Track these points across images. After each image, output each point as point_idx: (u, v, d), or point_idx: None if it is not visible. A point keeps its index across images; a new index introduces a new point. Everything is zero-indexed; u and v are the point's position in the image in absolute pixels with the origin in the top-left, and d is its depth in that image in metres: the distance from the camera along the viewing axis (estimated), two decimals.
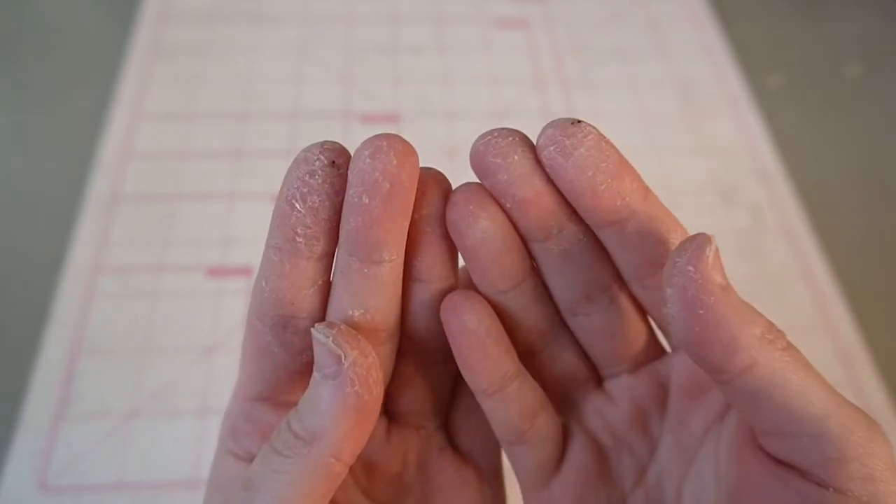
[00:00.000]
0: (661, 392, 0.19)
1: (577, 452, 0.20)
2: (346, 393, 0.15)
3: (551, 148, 0.17)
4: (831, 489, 0.14)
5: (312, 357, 0.16)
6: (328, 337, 0.16)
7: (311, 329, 0.16)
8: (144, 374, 0.34)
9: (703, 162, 0.46)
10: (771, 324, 0.15)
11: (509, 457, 0.20)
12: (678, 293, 0.15)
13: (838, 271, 0.41)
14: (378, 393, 0.16)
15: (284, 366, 0.18)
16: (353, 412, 0.16)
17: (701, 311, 0.14)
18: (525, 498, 0.21)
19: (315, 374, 0.16)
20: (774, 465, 0.15)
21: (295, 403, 0.17)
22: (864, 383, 0.37)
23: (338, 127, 0.45)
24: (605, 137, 0.18)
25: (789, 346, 0.15)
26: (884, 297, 0.41)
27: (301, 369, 0.18)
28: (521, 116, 0.47)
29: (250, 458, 0.18)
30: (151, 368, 0.35)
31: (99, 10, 0.52)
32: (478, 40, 0.52)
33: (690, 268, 0.16)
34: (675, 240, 0.19)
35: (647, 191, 0.20)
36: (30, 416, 0.33)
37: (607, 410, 0.20)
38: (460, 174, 0.41)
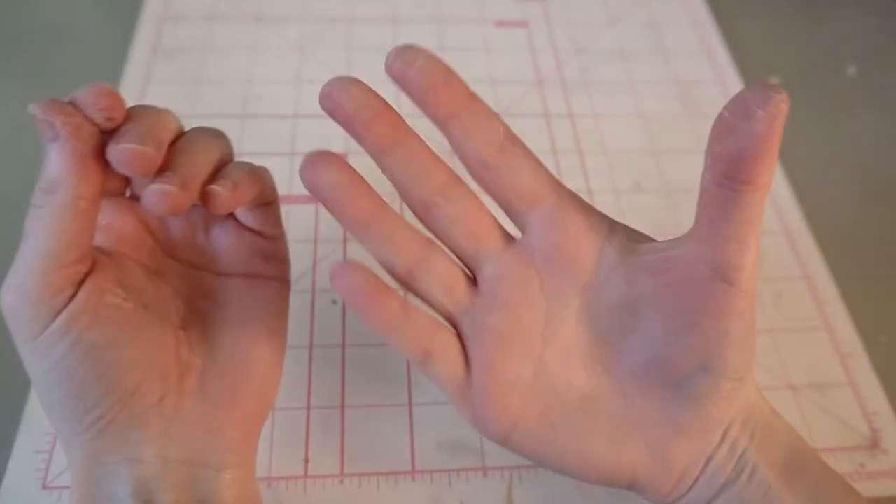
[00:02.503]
0: (531, 264, 0.25)
1: (478, 351, 0.24)
2: (65, 147, 0.21)
3: (397, 63, 0.26)
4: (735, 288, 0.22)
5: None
6: (39, 111, 0.22)
7: (28, 108, 0.22)
8: None
9: (704, 162, 0.46)
10: None
11: (425, 375, 0.24)
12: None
13: (837, 271, 0.41)
14: (91, 142, 0.21)
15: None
16: (76, 159, 0.21)
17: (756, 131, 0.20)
18: (451, 400, 0.25)
19: (46, 144, 0.21)
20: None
21: None
22: (862, 382, 0.37)
23: (338, 127, 0.45)
24: (434, 53, 0.25)
25: None
26: (882, 296, 0.41)
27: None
28: (522, 116, 0.47)
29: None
30: None
31: (99, 10, 0.52)
32: (478, 40, 0.52)
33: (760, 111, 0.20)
34: (501, 125, 0.27)
35: (470, 91, 0.27)
36: (31, 415, 0.33)
37: (489, 299, 0.24)
38: (460, 174, 0.41)
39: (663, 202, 0.43)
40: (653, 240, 0.26)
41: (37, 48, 0.49)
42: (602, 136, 0.46)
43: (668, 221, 0.43)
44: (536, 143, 0.46)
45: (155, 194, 0.21)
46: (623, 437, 0.24)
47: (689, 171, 0.45)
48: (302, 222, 0.40)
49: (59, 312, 0.21)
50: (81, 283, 0.22)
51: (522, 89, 0.49)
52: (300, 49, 0.50)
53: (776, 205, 0.44)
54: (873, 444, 0.35)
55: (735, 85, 0.50)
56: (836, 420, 0.36)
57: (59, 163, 0.21)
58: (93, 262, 0.22)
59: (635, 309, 0.24)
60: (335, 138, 0.45)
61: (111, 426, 0.22)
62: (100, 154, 0.21)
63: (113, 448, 0.22)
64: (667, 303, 0.23)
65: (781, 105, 0.20)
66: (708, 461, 0.23)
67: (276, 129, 0.45)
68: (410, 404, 0.34)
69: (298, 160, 0.44)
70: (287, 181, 0.42)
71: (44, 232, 0.21)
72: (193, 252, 0.27)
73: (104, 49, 0.49)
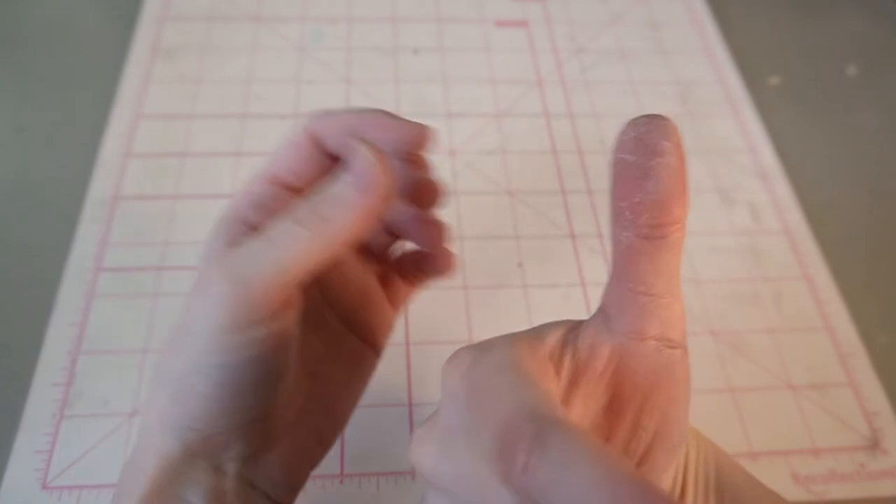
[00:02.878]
0: None
1: None
2: (368, 200, 0.20)
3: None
4: (679, 348, 0.19)
5: (333, 160, 0.23)
6: (369, 151, 0.20)
7: (352, 139, 0.20)
8: (144, 374, 0.35)
9: (703, 162, 0.46)
10: None
11: None
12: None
13: (837, 271, 0.41)
14: (386, 204, 0.21)
15: (322, 163, 0.23)
16: (367, 213, 0.20)
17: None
18: None
19: (347, 175, 0.20)
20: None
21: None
22: (862, 382, 0.37)
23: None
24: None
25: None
26: (882, 297, 0.41)
27: (321, 169, 0.23)
28: (521, 116, 0.47)
29: (258, 226, 0.22)
30: (151, 368, 0.35)
31: (100, 10, 0.52)
32: (478, 40, 0.52)
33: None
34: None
35: None
36: (31, 415, 0.33)
37: None
38: (460, 174, 0.41)
39: None
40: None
41: (37, 48, 0.49)
42: (602, 136, 0.46)
43: None
44: (536, 143, 0.46)
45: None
46: None
47: (689, 171, 0.45)
48: None
49: (261, 322, 0.20)
50: (290, 306, 0.21)
51: (522, 89, 0.49)
52: (300, 49, 0.50)
53: (776, 205, 0.44)
54: (873, 445, 0.35)
55: (735, 85, 0.50)
56: (837, 420, 0.36)
57: (352, 206, 0.20)
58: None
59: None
60: None
61: (235, 430, 0.22)
62: (379, 214, 0.21)
63: (212, 452, 0.22)
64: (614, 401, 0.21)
65: (676, 129, 0.18)
66: None
67: (276, 129, 0.45)
68: (410, 404, 0.34)
69: None
70: None
71: (295, 251, 0.20)
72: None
73: (104, 49, 0.49)
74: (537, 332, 0.20)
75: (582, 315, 0.22)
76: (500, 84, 0.49)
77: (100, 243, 0.39)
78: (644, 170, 0.17)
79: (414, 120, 0.23)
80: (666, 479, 0.21)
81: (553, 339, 0.20)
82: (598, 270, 0.40)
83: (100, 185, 0.41)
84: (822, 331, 0.39)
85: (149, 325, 0.36)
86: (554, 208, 0.42)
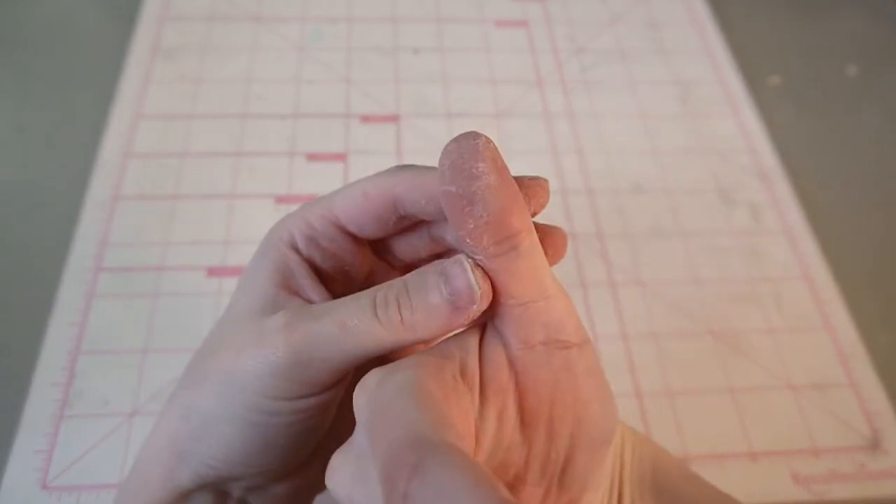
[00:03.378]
0: None
1: None
2: (459, 321, 0.18)
3: None
4: (573, 347, 0.19)
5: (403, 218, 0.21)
6: (474, 274, 0.18)
7: (461, 256, 0.19)
8: (144, 374, 0.34)
9: (703, 162, 0.46)
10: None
11: None
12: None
13: (837, 271, 0.41)
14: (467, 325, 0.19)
15: (390, 222, 0.22)
16: (448, 331, 0.19)
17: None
18: None
19: (444, 289, 0.18)
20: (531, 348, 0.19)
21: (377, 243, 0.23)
22: (862, 382, 0.37)
23: (338, 127, 0.45)
24: None
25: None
26: (883, 297, 0.41)
27: (386, 228, 0.22)
28: (521, 116, 0.47)
29: (313, 265, 0.22)
30: (151, 368, 0.35)
31: (100, 10, 0.52)
32: (478, 40, 0.52)
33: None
34: None
35: None
36: (31, 415, 0.33)
37: None
38: None
39: (663, 202, 0.43)
40: None
41: (37, 48, 0.49)
42: (602, 136, 0.46)
43: (667, 221, 0.43)
44: (536, 143, 0.46)
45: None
46: None
47: (689, 171, 0.45)
48: None
49: (312, 395, 0.20)
50: (343, 381, 0.21)
51: (522, 89, 0.49)
52: (300, 49, 0.50)
53: (776, 205, 0.44)
54: (874, 445, 0.35)
55: (735, 85, 0.50)
56: (837, 420, 0.36)
57: (438, 323, 0.19)
58: None
59: None
60: (335, 138, 0.45)
61: (242, 474, 0.22)
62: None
63: (220, 482, 0.22)
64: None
65: (488, 143, 0.18)
66: None
67: (276, 129, 0.45)
68: None
69: (298, 160, 0.44)
70: (286, 181, 0.42)
71: (376, 343, 0.19)
72: None
73: (104, 49, 0.49)
74: (446, 349, 0.19)
75: (583, 316, 0.22)
76: (500, 84, 0.49)
77: (100, 243, 0.39)
78: (468, 197, 0.17)
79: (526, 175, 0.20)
80: (602, 481, 0.21)
81: (461, 355, 0.19)
82: (598, 271, 0.40)
83: (100, 185, 0.41)
84: (822, 331, 0.39)
85: (149, 325, 0.36)
86: (554, 208, 0.42)
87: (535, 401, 0.19)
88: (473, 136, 0.18)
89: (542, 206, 0.20)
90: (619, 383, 0.36)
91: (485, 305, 0.18)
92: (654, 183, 0.44)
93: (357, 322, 0.19)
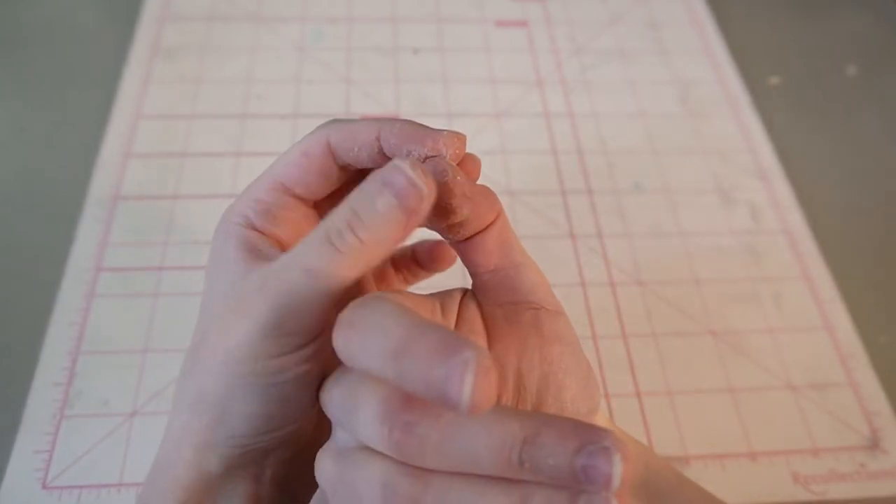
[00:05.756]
0: None
1: None
2: (413, 221, 0.19)
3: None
4: (542, 308, 0.22)
5: (344, 171, 0.22)
6: (414, 172, 0.18)
7: (396, 160, 0.19)
8: (144, 374, 0.35)
9: (703, 162, 0.46)
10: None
11: None
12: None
13: (837, 271, 0.41)
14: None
15: (333, 175, 0.23)
16: (407, 234, 0.19)
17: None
18: None
19: (389, 195, 0.18)
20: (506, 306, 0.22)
21: (324, 205, 0.23)
22: (862, 382, 0.37)
23: None
24: None
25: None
26: (882, 296, 0.41)
27: (342, 185, 0.23)
28: (521, 116, 0.47)
29: (273, 237, 0.22)
30: (151, 368, 0.35)
31: (100, 10, 0.52)
32: (478, 40, 0.52)
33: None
34: None
35: None
36: (31, 415, 0.33)
37: None
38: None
39: (663, 202, 0.43)
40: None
41: (37, 48, 0.49)
42: (602, 136, 0.46)
43: (667, 221, 0.43)
44: (536, 143, 0.46)
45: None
46: None
47: (689, 171, 0.45)
48: None
49: (304, 344, 0.20)
50: (330, 321, 0.21)
51: (522, 89, 0.49)
52: (300, 49, 0.50)
53: (776, 205, 0.44)
54: (873, 445, 0.35)
55: (735, 85, 0.50)
56: (837, 420, 0.36)
57: (396, 233, 0.19)
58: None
59: None
60: None
61: (280, 438, 0.22)
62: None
63: (250, 462, 0.22)
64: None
65: (447, 166, 0.20)
66: None
67: (276, 129, 0.45)
68: None
69: None
70: None
71: (345, 276, 0.19)
72: None
73: (104, 49, 0.49)
74: (428, 296, 0.22)
75: (583, 316, 0.22)
76: (500, 84, 0.49)
77: (100, 243, 0.39)
78: (446, 209, 0.20)
79: (437, 126, 0.22)
80: None
81: (442, 300, 0.23)
82: (598, 270, 0.40)
83: (100, 185, 0.41)
84: (822, 331, 0.39)
85: (149, 325, 0.36)
86: (554, 208, 0.42)
87: (502, 351, 0.21)
88: (441, 169, 0.20)
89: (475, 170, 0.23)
90: (619, 383, 0.36)
91: (432, 197, 0.19)
92: (654, 183, 0.44)
93: (320, 262, 0.19)
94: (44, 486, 0.31)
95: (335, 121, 0.22)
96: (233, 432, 0.21)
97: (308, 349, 0.20)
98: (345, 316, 0.18)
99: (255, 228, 0.22)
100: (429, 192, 0.19)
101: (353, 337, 0.17)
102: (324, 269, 0.19)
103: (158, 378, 0.34)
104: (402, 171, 0.18)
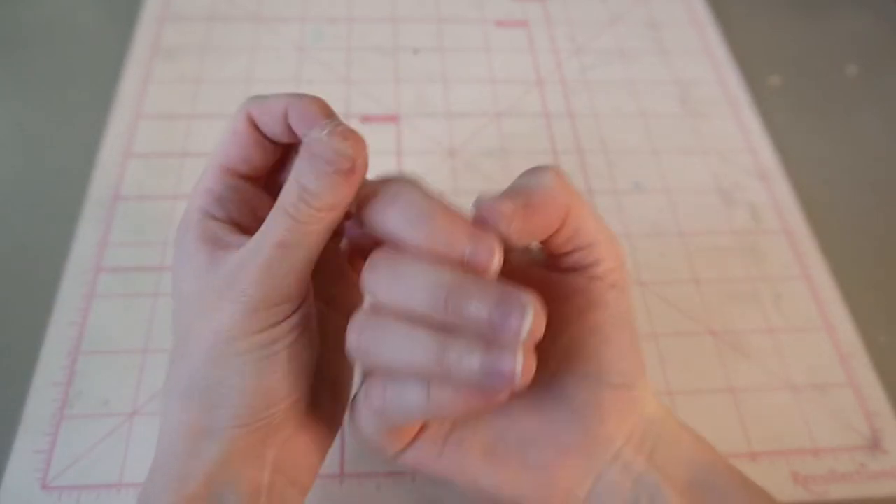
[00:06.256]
0: None
1: None
2: (356, 177, 0.20)
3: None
4: (596, 278, 0.23)
5: (292, 147, 0.24)
6: (333, 140, 0.20)
7: (312, 132, 0.21)
8: (144, 374, 0.35)
9: (703, 162, 0.46)
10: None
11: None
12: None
13: (837, 271, 0.41)
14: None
15: (268, 148, 0.24)
16: (355, 187, 0.21)
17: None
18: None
19: (326, 167, 0.20)
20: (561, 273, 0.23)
21: (270, 183, 0.25)
22: (862, 382, 0.37)
23: None
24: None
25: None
26: (883, 297, 0.41)
27: (281, 156, 0.25)
28: (521, 116, 0.47)
29: (230, 222, 0.23)
30: (151, 368, 0.35)
31: (100, 10, 0.52)
32: (478, 40, 0.52)
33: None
34: None
35: None
36: (31, 415, 0.33)
37: None
38: (460, 174, 0.41)
39: (663, 202, 0.43)
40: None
41: (37, 48, 0.49)
42: (602, 136, 0.46)
43: (667, 221, 0.43)
44: (536, 143, 0.46)
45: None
46: (501, 456, 0.23)
47: (689, 171, 0.45)
48: None
49: (299, 307, 0.22)
50: (301, 295, 0.22)
51: (522, 89, 0.49)
52: (300, 49, 0.50)
53: (776, 205, 0.44)
54: (874, 445, 0.35)
55: (735, 85, 0.50)
56: (837, 420, 0.36)
57: (343, 195, 0.20)
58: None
59: None
60: None
61: (280, 413, 0.22)
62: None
63: (253, 444, 0.22)
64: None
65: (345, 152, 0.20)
66: (597, 480, 0.22)
67: None
68: None
69: None
70: None
71: (313, 241, 0.21)
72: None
73: (104, 49, 0.49)
74: None
75: None
76: (500, 84, 0.49)
77: (100, 243, 0.39)
78: (523, 213, 0.22)
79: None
80: (603, 429, 0.22)
81: None
82: None
83: (100, 185, 0.41)
84: (822, 331, 0.39)
85: (149, 325, 0.36)
86: None
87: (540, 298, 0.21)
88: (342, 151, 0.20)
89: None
90: None
91: (364, 149, 0.20)
92: (654, 183, 0.44)
93: (287, 234, 0.20)
94: (43, 487, 0.31)
95: (255, 97, 0.24)
96: (230, 413, 0.21)
97: (295, 317, 0.21)
98: (368, 188, 0.21)
99: (213, 218, 0.23)
100: (356, 149, 0.20)
101: (379, 206, 0.20)
102: (292, 239, 0.20)
103: (158, 378, 0.34)
104: (320, 143, 0.20)
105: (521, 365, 0.18)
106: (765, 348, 0.38)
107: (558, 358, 0.23)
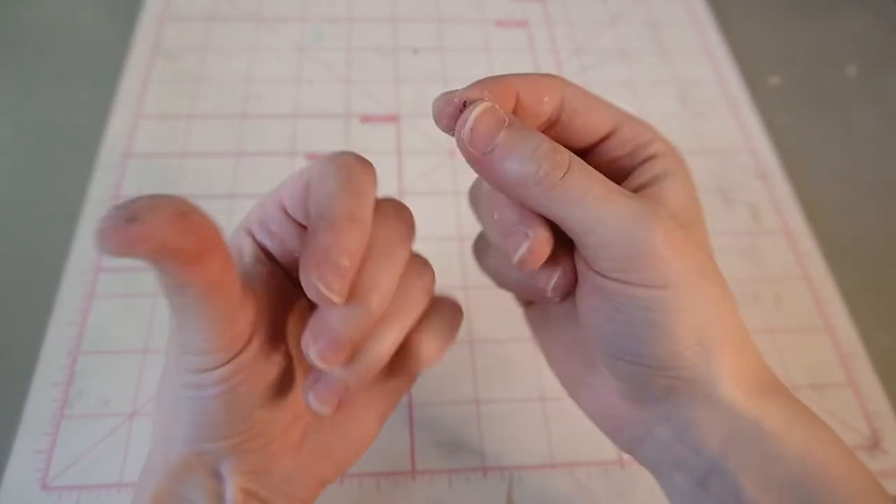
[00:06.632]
0: None
1: None
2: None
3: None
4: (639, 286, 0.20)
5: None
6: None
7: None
8: (144, 374, 0.35)
9: (703, 162, 0.46)
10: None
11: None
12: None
13: (837, 271, 0.41)
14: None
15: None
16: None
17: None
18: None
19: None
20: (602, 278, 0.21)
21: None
22: (862, 382, 0.37)
23: (338, 127, 0.45)
24: None
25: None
26: (882, 296, 0.41)
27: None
28: None
29: (260, 244, 0.24)
30: (151, 368, 0.35)
31: (100, 10, 0.52)
32: (478, 40, 0.52)
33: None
34: None
35: None
36: (31, 415, 0.33)
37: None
38: (460, 174, 0.41)
39: None
40: None
41: (37, 48, 0.49)
42: None
43: None
44: None
45: (324, 393, 0.21)
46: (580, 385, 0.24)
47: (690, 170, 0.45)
48: None
49: (229, 361, 0.21)
50: (250, 340, 0.22)
51: None
52: (300, 49, 0.50)
53: (776, 205, 0.44)
54: (874, 445, 0.35)
55: (735, 85, 0.50)
56: (837, 420, 0.36)
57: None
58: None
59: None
60: (335, 138, 0.45)
61: (223, 450, 0.22)
62: None
63: (209, 464, 0.23)
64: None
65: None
66: (648, 432, 0.22)
67: (275, 129, 0.45)
68: (410, 405, 0.34)
69: (298, 160, 0.44)
70: None
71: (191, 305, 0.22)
72: None
73: (104, 49, 0.49)
74: None
75: None
76: None
77: None
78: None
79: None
80: (645, 388, 0.22)
81: None
82: None
83: (100, 185, 0.41)
84: (822, 331, 0.39)
85: (149, 325, 0.36)
86: None
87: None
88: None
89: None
90: None
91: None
92: None
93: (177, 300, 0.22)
94: (43, 487, 0.31)
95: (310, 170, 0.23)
96: (181, 434, 0.22)
97: (222, 370, 0.21)
98: None
99: (251, 233, 0.23)
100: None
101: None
102: (182, 304, 0.22)
103: (158, 378, 0.34)
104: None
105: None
106: (765, 348, 0.38)
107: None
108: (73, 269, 0.38)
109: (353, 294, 0.20)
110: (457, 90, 0.21)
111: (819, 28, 0.55)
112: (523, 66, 0.50)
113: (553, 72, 0.50)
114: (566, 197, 0.20)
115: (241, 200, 0.41)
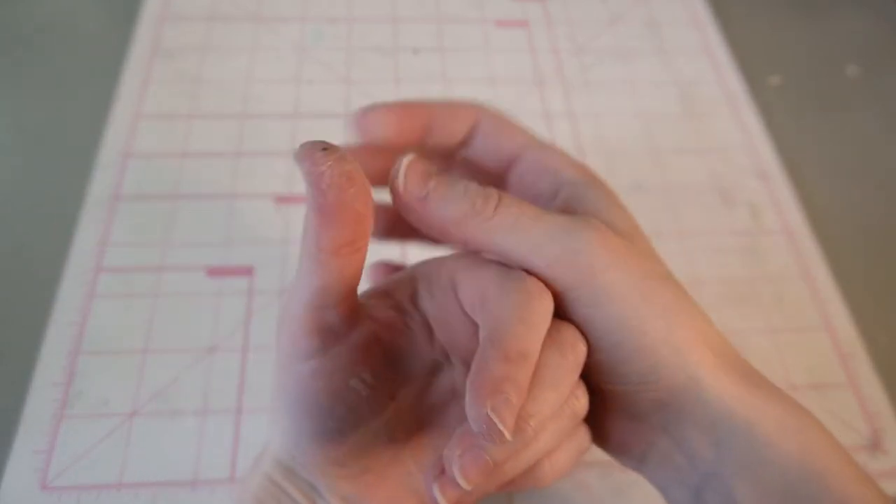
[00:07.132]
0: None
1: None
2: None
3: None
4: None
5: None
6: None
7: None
8: (144, 374, 0.34)
9: (703, 162, 0.46)
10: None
11: None
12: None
13: (837, 271, 0.41)
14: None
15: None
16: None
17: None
18: None
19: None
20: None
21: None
22: (863, 383, 0.37)
23: (338, 127, 0.45)
24: None
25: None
26: (883, 297, 0.41)
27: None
28: (521, 116, 0.47)
29: (420, 310, 0.24)
30: (151, 368, 0.35)
31: (99, 10, 0.52)
32: (478, 40, 0.52)
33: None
34: None
35: None
36: (30, 415, 0.33)
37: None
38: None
39: (663, 202, 0.43)
40: None
41: (37, 48, 0.49)
42: (602, 136, 0.46)
43: (667, 221, 0.42)
44: None
45: (449, 491, 0.20)
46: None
47: (689, 170, 0.45)
48: (301, 220, 0.40)
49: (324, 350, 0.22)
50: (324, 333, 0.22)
51: (522, 89, 0.49)
52: (300, 49, 0.50)
53: (776, 205, 0.44)
54: (874, 445, 0.35)
55: (735, 85, 0.50)
56: (837, 420, 0.36)
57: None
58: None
59: None
60: (335, 138, 0.45)
61: (314, 468, 0.23)
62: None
63: (304, 479, 0.23)
64: None
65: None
66: (650, 446, 0.23)
67: (276, 129, 0.45)
68: None
69: None
70: (286, 181, 0.42)
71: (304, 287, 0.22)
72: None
73: (104, 49, 0.49)
74: None
75: None
76: (500, 84, 0.49)
77: (100, 243, 0.39)
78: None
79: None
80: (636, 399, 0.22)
81: None
82: None
83: (100, 185, 0.41)
84: (822, 331, 0.39)
85: (149, 325, 0.36)
86: None
87: None
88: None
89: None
90: None
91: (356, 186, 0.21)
92: (654, 182, 0.44)
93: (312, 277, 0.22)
94: (43, 487, 0.31)
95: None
96: (281, 447, 0.23)
97: (312, 363, 0.22)
98: None
99: (415, 296, 0.24)
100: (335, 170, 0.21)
101: None
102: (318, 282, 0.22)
103: (158, 378, 0.34)
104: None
105: None
106: (765, 348, 0.38)
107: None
108: (73, 269, 0.38)
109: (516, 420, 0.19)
110: (322, 144, 0.21)
111: (819, 28, 0.55)
112: (523, 65, 0.50)
113: (553, 72, 0.50)
114: (502, 225, 0.21)
115: (241, 200, 0.41)
